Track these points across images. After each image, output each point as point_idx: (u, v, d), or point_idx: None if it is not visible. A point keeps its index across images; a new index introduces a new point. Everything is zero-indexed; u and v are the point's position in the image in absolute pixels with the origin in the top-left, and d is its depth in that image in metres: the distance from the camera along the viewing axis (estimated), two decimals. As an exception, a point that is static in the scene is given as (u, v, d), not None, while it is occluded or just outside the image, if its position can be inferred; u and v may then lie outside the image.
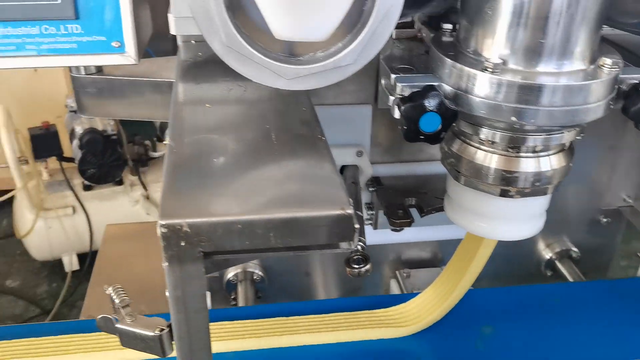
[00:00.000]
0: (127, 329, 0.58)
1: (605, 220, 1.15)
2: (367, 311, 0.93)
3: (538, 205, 0.75)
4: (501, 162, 0.70)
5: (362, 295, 1.17)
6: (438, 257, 1.17)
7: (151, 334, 0.57)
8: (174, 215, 0.45)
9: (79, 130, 2.19)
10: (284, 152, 0.58)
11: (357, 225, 0.52)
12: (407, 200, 0.97)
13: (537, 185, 0.70)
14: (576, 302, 0.97)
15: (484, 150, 0.71)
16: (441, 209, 0.96)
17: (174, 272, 0.46)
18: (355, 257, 0.79)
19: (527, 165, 0.69)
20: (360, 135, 0.99)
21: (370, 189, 1.01)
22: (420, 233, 1.11)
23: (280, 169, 0.55)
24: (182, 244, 0.45)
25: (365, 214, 1.04)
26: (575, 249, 1.18)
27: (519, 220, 0.76)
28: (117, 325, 0.58)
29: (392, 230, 1.06)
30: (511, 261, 1.21)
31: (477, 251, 0.82)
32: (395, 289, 1.14)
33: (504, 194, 0.71)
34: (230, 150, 0.58)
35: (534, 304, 0.98)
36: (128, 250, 1.50)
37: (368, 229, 1.06)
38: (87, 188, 2.31)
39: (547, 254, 1.19)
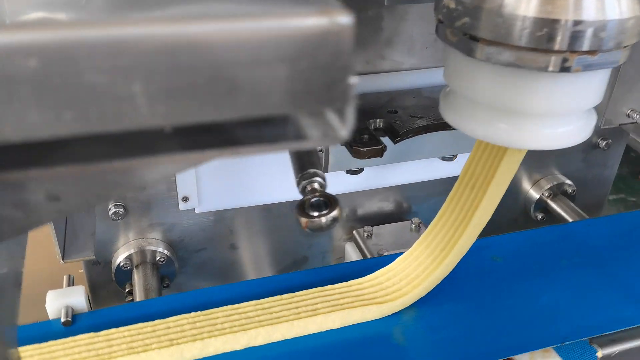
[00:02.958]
0: None
1: (604, 143, 0.92)
2: (332, 286, 0.63)
3: (597, 87, 0.48)
4: (546, 5, 0.42)
5: (309, 269, 0.86)
6: (403, 207, 0.89)
7: None
8: None
9: None
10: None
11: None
12: (372, 122, 0.68)
13: (603, 47, 0.43)
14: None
15: (523, -9, 0.42)
16: (420, 131, 0.68)
17: None
18: (313, 200, 0.48)
19: (590, 9, 0.42)
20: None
21: (316, 113, 0.71)
22: (380, 177, 0.83)
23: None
24: None
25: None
26: (569, 182, 0.94)
27: (571, 113, 0.49)
28: None
29: (348, 172, 0.76)
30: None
31: (496, 173, 0.54)
32: (352, 255, 0.85)
33: (555, 65, 0.43)
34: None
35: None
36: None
37: (315, 172, 0.75)
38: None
39: (536, 193, 0.94)
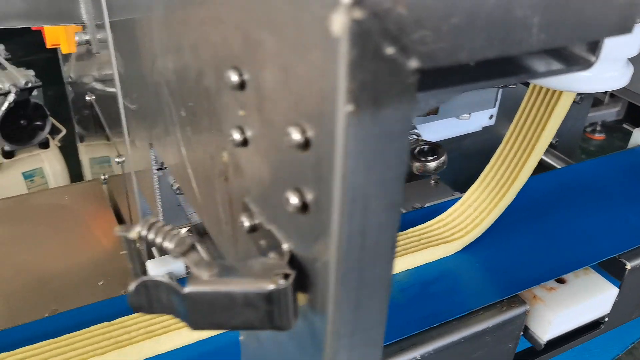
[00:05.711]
0: (209, 290, 0.29)
1: (578, 97, 1.06)
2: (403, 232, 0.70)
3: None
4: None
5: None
6: (421, 166, 0.97)
7: (266, 287, 0.28)
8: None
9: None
10: None
11: None
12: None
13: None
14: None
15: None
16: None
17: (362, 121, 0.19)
18: (420, 148, 0.55)
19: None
20: None
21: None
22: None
23: None
24: (388, 51, 0.18)
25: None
26: (551, 135, 1.07)
27: (618, 60, 0.59)
28: (188, 289, 0.28)
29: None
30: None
31: (550, 117, 0.63)
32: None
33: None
34: None
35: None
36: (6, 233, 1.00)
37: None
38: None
39: (524, 146, 1.06)
